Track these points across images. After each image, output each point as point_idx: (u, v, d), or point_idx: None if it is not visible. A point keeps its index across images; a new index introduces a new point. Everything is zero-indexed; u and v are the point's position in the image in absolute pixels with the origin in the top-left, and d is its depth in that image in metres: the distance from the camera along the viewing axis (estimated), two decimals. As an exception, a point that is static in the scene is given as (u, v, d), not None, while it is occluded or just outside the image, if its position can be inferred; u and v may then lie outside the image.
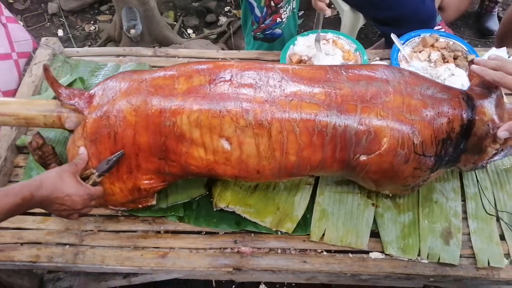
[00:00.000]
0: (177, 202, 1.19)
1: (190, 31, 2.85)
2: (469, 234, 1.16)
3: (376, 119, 0.96)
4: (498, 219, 1.19)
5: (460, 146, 1.04)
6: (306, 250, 1.16)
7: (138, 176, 1.07)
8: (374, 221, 1.19)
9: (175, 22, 2.84)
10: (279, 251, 1.15)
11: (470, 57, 1.47)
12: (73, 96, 1.04)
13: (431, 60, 1.51)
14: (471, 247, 1.13)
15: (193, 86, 0.99)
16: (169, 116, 0.97)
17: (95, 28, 2.94)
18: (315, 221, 1.19)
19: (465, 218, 1.19)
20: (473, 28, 2.79)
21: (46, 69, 1.04)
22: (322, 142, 0.98)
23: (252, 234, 1.18)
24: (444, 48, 1.54)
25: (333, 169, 1.04)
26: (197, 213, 1.21)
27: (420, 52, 1.54)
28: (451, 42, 1.54)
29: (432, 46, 1.54)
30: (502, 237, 1.16)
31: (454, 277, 1.11)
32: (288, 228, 1.18)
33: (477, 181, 1.24)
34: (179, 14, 2.94)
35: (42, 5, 3.10)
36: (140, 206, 1.18)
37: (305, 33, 1.61)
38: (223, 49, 2.59)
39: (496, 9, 2.70)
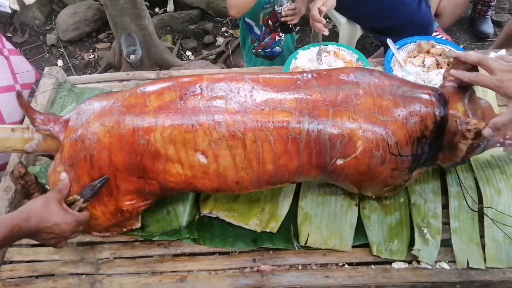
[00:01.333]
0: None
1: (188, 53, 2.84)
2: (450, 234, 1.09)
3: (348, 122, 0.92)
4: (482, 217, 1.12)
5: (436, 143, 0.98)
6: (327, 264, 1.08)
7: (119, 198, 1.02)
8: (360, 223, 1.14)
9: (173, 45, 2.85)
10: (300, 267, 1.08)
11: (449, 54, 1.45)
12: (48, 122, 1.00)
13: (425, 66, 1.46)
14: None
15: (164, 102, 0.94)
16: (142, 135, 0.92)
17: (94, 56, 2.95)
18: (299, 225, 1.14)
19: (445, 223, 1.12)
20: (468, 32, 2.74)
21: (19, 95, 0.98)
22: (297, 149, 0.93)
23: (271, 251, 1.11)
24: (440, 54, 1.49)
25: (312, 174, 0.99)
26: (212, 234, 1.15)
27: (414, 57, 1.50)
28: (447, 49, 1.49)
29: (428, 52, 1.50)
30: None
31: (481, 282, 1.03)
32: (272, 228, 1.13)
33: (459, 180, 1.18)
34: (176, 37, 2.95)
35: (41, 37, 3.12)
36: (125, 229, 1.12)
37: (306, 46, 1.57)
38: (222, 69, 2.61)
39: (489, 13, 2.68)
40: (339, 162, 0.95)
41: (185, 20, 2.94)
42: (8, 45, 1.67)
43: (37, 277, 1.11)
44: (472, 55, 0.95)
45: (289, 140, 0.92)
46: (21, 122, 1.67)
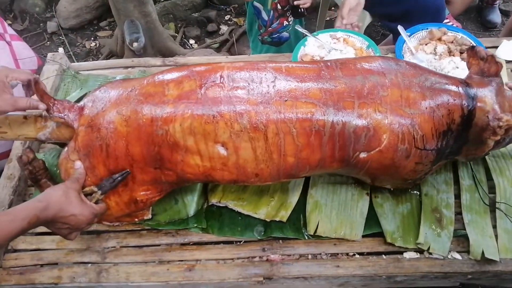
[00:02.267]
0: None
1: (192, 41, 2.78)
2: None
3: (374, 114, 0.90)
4: (494, 210, 1.11)
5: (461, 137, 0.96)
6: (338, 254, 1.07)
7: (134, 188, 1.00)
8: (371, 212, 1.12)
9: (176, 33, 2.81)
10: (310, 256, 1.07)
11: (465, 46, 1.41)
12: (63, 109, 0.97)
13: (437, 53, 1.44)
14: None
15: (184, 91, 0.91)
16: (161, 125, 0.90)
17: (95, 45, 2.90)
18: (308, 213, 1.12)
19: (458, 213, 1.12)
20: (476, 21, 2.71)
21: (36, 82, 0.96)
22: (320, 142, 0.91)
23: (280, 241, 1.10)
24: (452, 42, 1.46)
25: (333, 167, 0.98)
26: (220, 223, 1.13)
27: (426, 44, 1.47)
28: (459, 36, 1.46)
29: (440, 39, 1.47)
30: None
31: (494, 272, 1.03)
32: (282, 217, 1.11)
33: (473, 172, 1.17)
34: (179, 25, 2.90)
35: (41, 24, 3.06)
36: (136, 219, 1.10)
37: (315, 33, 1.54)
38: (226, 57, 2.57)
39: (497, 2, 2.66)
40: (363, 155, 0.93)
41: (188, 7, 2.88)
42: (10, 31, 1.64)
43: (42, 265, 1.09)
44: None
45: (312, 132, 0.90)
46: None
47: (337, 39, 1.52)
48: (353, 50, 1.48)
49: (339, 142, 0.91)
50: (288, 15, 1.75)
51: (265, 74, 0.93)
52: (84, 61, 2.78)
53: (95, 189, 0.96)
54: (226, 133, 0.89)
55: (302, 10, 1.61)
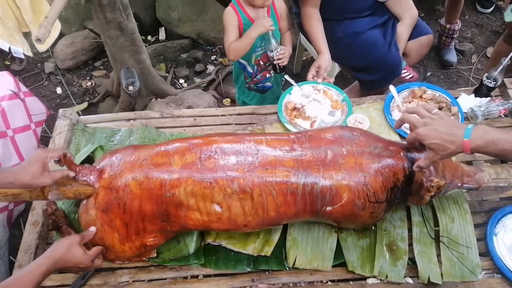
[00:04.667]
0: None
1: (182, 81, 3.00)
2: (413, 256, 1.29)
3: (335, 178, 1.12)
4: (438, 243, 1.32)
5: (406, 191, 1.19)
6: (314, 281, 1.26)
7: (145, 236, 1.20)
8: (339, 246, 1.32)
9: (167, 74, 3.03)
10: (291, 284, 1.26)
11: (443, 103, 1.65)
12: (85, 174, 1.17)
13: None
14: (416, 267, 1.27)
15: (187, 163, 1.13)
16: (169, 189, 1.11)
17: (91, 84, 3.07)
18: (288, 248, 1.31)
19: (410, 244, 1.32)
20: (435, 60, 2.99)
21: (65, 155, 1.15)
22: (294, 200, 1.13)
23: (267, 272, 1.29)
24: (431, 99, 1.67)
25: (306, 217, 1.20)
26: (216, 258, 1.31)
27: (409, 102, 1.69)
28: (437, 94, 1.68)
29: (421, 97, 1.68)
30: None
31: None
32: (266, 252, 1.30)
33: (421, 211, 1.39)
34: (170, 65, 3.14)
35: (38, 64, 3.20)
36: (144, 258, 1.29)
37: (300, 83, 1.76)
38: (214, 96, 2.80)
39: (453, 43, 2.96)
40: (328, 208, 1.15)
41: (177, 49, 3.11)
42: (23, 88, 1.83)
43: (65, 299, 1.29)
44: (400, 117, 1.19)
45: (288, 193, 1.12)
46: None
47: (318, 90, 1.77)
48: (330, 102, 1.73)
49: (309, 199, 1.14)
50: (269, 69, 2.01)
51: (250, 147, 1.16)
52: (82, 100, 2.96)
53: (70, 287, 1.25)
54: (221, 195, 1.12)
55: (282, 67, 1.87)
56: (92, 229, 1.18)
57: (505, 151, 1.04)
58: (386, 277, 1.27)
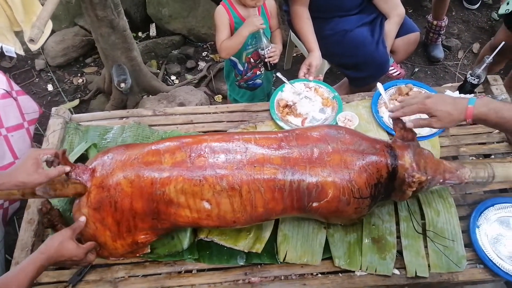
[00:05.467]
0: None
1: (173, 77, 3.01)
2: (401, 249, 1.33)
3: (321, 175, 1.15)
4: (425, 237, 1.36)
5: (389, 187, 1.22)
6: (304, 274, 1.30)
7: (136, 233, 1.23)
8: (326, 241, 1.36)
9: (158, 70, 3.04)
10: (282, 277, 1.30)
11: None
12: (78, 173, 1.20)
13: None
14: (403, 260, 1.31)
15: (177, 161, 1.16)
16: (159, 187, 1.14)
17: (83, 81, 3.06)
18: (278, 244, 1.35)
19: (398, 237, 1.36)
20: (422, 56, 3.03)
21: (63, 153, 1.18)
22: (282, 196, 1.16)
23: (259, 266, 1.33)
24: None
25: (293, 213, 1.23)
26: (210, 253, 1.35)
27: (396, 99, 1.70)
28: (423, 91, 1.71)
29: (407, 94, 1.71)
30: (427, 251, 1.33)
31: (424, 283, 1.29)
32: (257, 248, 1.32)
33: (408, 206, 1.42)
34: (161, 62, 3.15)
35: (29, 61, 3.19)
36: (137, 255, 1.32)
37: (292, 81, 1.79)
38: (206, 92, 2.82)
39: (440, 39, 3.01)
40: (315, 204, 1.19)
41: (168, 45, 3.12)
42: (16, 87, 1.83)
43: (63, 295, 1.31)
44: (394, 108, 1.27)
45: (275, 190, 1.16)
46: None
47: (309, 88, 1.80)
48: (321, 99, 1.76)
49: (296, 196, 1.17)
50: (260, 66, 2.03)
51: (239, 146, 1.19)
52: (73, 97, 2.96)
53: (67, 284, 1.27)
54: (210, 192, 1.14)
55: (273, 64, 1.90)
56: (82, 219, 1.20)
57: (504, 119, 1.13)
58: (375, 270, 1.30)
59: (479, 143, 1.64)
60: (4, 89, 1.70)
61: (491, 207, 1.42)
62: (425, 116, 1.23)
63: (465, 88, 1.71)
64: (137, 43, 2.77)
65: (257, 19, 1.77)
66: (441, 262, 1.33)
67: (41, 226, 1.44)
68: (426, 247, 1.37)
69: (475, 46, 3.13)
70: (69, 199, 1.44)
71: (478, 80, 1.67)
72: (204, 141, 1.20)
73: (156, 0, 3.08)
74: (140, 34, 3.31)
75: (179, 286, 1.32)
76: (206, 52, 3.18)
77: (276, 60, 1.89)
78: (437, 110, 1.17)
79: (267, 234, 1.38)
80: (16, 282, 1.02)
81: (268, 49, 1.85)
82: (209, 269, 1.35)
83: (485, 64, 1.65)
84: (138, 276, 1.34)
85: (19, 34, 2.02)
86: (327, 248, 1.37)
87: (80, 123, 1.73)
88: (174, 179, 1.14)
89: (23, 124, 1.81)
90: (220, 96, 2.87)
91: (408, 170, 1.17)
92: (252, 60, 1.99)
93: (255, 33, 1.84)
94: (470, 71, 1.69)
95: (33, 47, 1.75)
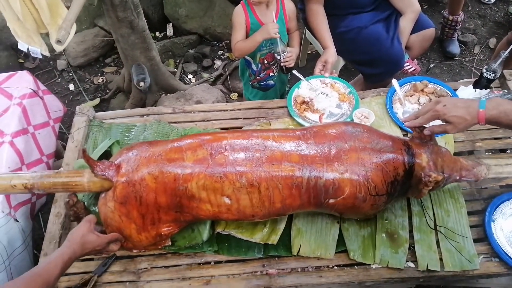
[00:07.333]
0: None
1: (190, 76, 3.05)
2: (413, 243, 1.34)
3: (338, 173, 1.17)
4: (436, 232, 1.37)
5: (406, 184, 1.23)
6: (321, 267, 1.33)
7: (160, 226, 1.27)
8: (340, 234, 1.38)
9: (175, 69, 3.09)
10: (299, 269, 1.33)
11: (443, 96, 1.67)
12: (104, 169, 1.23)
13: (420, 103, 1.67)
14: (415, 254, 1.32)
15: (198, 158, 1.19)
16: (182, 183, 1.18)
17: (103, 80, 3.14)
18: (293, 238, 1.37)
19: (411, 231, 1.37)
20: (438, 52, 3.00)
21: (84, 151, 1.20)
22: (299, 193, 1.19)
23: (276, 258, 1.36)
24: (432, 93, 1.70)
25: (310, 209, 1.25)
26: (228, 246, 1.38)
27: (411, 96, 1.72)
28: (438, 88, 1.71)
29: (422, 91, 1.72)
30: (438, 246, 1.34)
31: (439, 276, 1.30)
32: (273, 240, 1.35)
33: (421, 201, 1.43)
34: (178, 61, 3.20)
35: (51, 62, 3.28)
36: (159, 247, 1.36)
37: (308, 78, 1.81)
38: (222, 90, 2.86)
39: (456, 35, 2.98)
40: (331, 201, 1.21)
41: (185, 45, 3.17)
42: (42, 86, 1.90)
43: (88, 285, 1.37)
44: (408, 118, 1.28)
45: (293, 187, 1.18)
46: (55, 153, 1.92)
47: (325, 84, 1.82)
48: (338, 95, 1.77)
49: (313, 193, 1.20)
50: (273, 68, 2.06)
51: (258, 144, 1.22)
52: (94, 96, 3.04)
53: (92, 274, 1.32)
54: (230, 188, 1.18)
55: (288, 68, 1.93)
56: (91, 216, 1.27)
57: None
58: (388, 264, 1.32)
59: (495, 138, 1.63)
60: (31, 89, 1.77)
61: (507, 201, 1.42)
62: (439, 122, 1.22)
63: (481, 83, 1.71)
64: (155, 42, 2.82)
65: (272, 28, 1.78)
66: (454, 260, 1.33)
67: (68, 219, 1.50)
68: (437, 241, 1.37)
69: (492, 41, 3.09)
70: (94, 194, 1.50)
71: (494, 75, 1.66)
72: (224, 139, 1.23)
73: (173, 1, 3.13)
74: (157, 34, 3.36)
75: (200, 277, 1.36)
76: (222, 51, 3.21)
77: (292, 64, 1.92)
78: (451, 116, 1.16)
79: (282, 226, 1.41)
80: (46, 275, 1.07)
81: (285, 54, 1.87)
82: (227, 261, 1.39)
83: (501, 59, 1.64)
84: (160, 267, 1.38)
85: (43, 36, 2.09)
86: (340, 242, 1.39)
87: (103, 121, 1.79)
88: (196, 176, 1.18)
89: (49, 122, 1.88)
90: (236, 94, 2.91)
91: (425, 169, 1.18)
92: (265, 61, 2.02)
93: (271, 38, 1.86)
94: (486, 66, 1.68)
95: (59, 48, 1.81)
